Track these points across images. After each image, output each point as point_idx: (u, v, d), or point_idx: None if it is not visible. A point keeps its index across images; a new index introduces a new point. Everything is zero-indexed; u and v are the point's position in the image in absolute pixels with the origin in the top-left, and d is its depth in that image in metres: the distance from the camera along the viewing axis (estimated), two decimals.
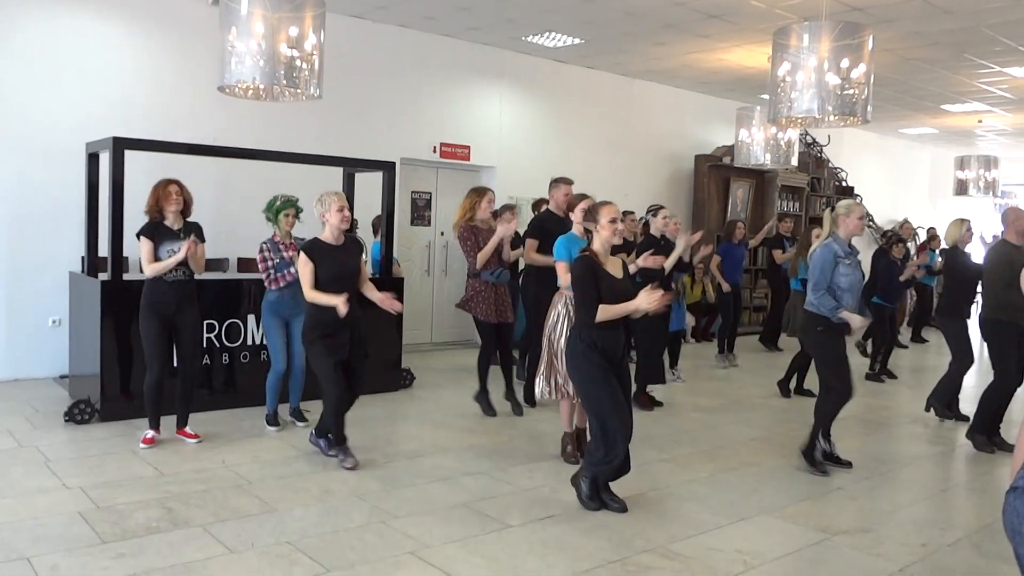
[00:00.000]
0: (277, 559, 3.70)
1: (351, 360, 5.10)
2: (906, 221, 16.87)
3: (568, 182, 6.60)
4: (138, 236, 5.32)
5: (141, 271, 5.40)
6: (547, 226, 6.37)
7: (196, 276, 5.52)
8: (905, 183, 17.46)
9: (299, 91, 5.54)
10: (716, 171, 12.83)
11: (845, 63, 6.17)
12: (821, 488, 5.10)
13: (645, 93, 12.21)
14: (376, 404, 6.72)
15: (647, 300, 4.19)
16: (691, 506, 4.67)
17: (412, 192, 10.06)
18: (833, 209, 5.50)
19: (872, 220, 16.13)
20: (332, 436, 5.19)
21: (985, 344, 6.21)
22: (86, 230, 6.52)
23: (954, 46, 9.48)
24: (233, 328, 6.62)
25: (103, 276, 6.19)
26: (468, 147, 10.30)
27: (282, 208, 5.94)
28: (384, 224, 7.55)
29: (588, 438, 4.71)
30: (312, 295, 4.96)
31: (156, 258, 5.29)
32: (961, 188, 13.88)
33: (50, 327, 7.48)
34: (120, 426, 5.83)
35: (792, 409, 7.30)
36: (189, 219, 5.51)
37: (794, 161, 10.02)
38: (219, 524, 4.10)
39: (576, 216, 5.43)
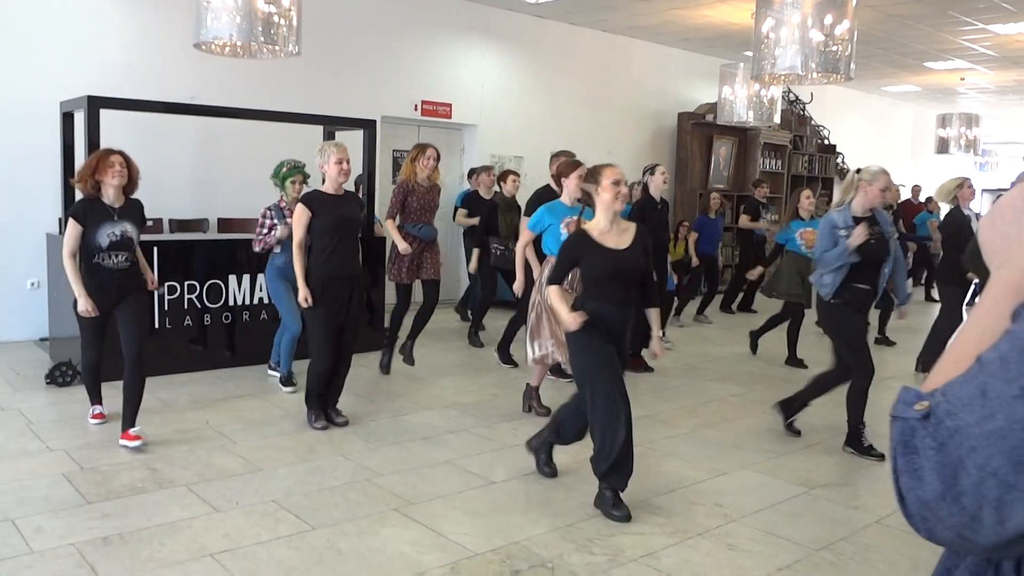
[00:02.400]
0: (262, 517, 3.73)
1: (346, 324, 5.05)
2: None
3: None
4: (66, 219, 4.64)
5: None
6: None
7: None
8: (887, 141, 17.48)
9: (277, 48, 5.46)
10: (699, 129, 12.79)
11: (829, 19, 6.15)
12: (800, 443, 5.17)
13: (628, 50, 12.11)
14: (359, 363, 6.72)
15: (573, 321, 3.81)
16: (672, 461, 4.73)
17: (393, 151, 9.97)
18: (859, 172, 4.88)
19: None
20: (307, 394, 5.14)
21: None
22: (62, 191, 6.43)
23: (938, 2, 9.43)
24: (214, 289, 6.59)
25: None
26: (450, 105, 10.21)
27: (289, 175, 5.90)
28: (366, 183, 7.50)
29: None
30: (298, 253, 4.92)
31: (93, 244, 4.52)
32: (943, 146, 13.94)
33: (29, 289, 7.41)
34: (102, 388, 5.81)
35: (771, 367, 7.38)
36: (132, 197, 4.73)
37: (777, 119, 10.03)
38: (203, 484, 4.11)
39: (570, 184, 5.30)
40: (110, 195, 4.58)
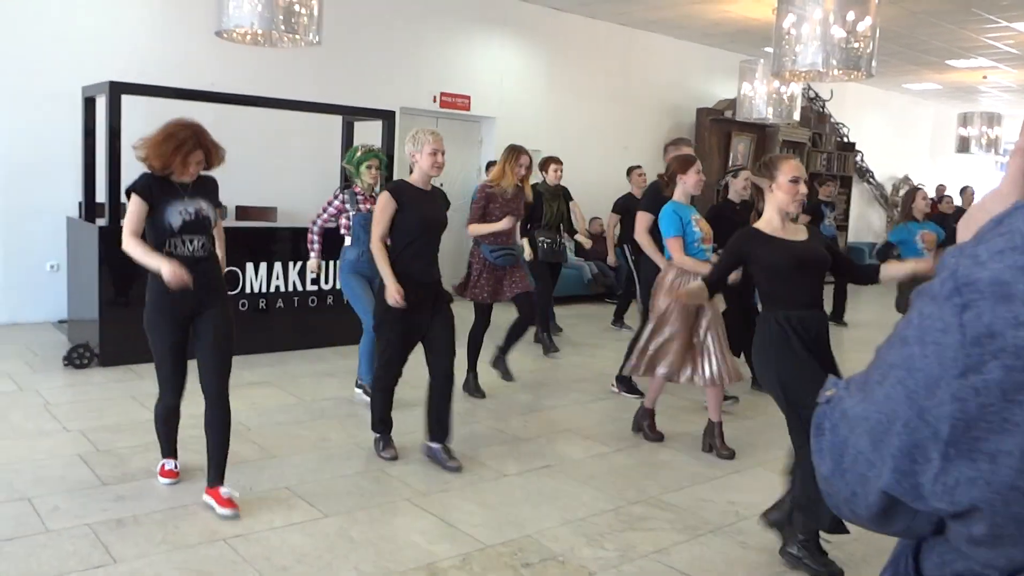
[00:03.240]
0: (275, 504, 3.76)
1: (437, 337, 4.32)
2: (907, 178, 16.82)
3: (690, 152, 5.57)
4: (128, 193, 3.59)
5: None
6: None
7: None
8: (907, 139, 17.35)
9: (298, 37, 5.47)
10: (717, 124, 12.73)
11: (851, 16, 6.10)
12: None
13: (647, 44, 12.06)
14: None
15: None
16: (684, 458, 4.72)
17: None
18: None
19: (872, 176, 16.07)
20: (372, 415, 4.49)
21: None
22: (83, 175, 6.49)
23: None
24: (230, 276, 6.62)
25: (101, 222, 6.18)
26: (468, 97, 10.20)
27: (364, 159, 5.41)
28: (383, 175, 7.50)
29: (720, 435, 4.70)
30: (379, 249, 4.23)
31: (162, 226, 3.55)
32: (963, 145, 13.80)
33: (48, 272, 7.48)
34: (119, 371, 5.87)
35: None
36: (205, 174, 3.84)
37: (796, 116, 9.94)
38: None
39: (689, 179, 4.81)
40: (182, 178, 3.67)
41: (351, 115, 7.59)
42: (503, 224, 5.39)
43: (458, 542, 3.47)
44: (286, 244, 6.94)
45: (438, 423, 4.33)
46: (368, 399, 4.98)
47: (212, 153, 3.69)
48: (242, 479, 4.02)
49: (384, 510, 3.77)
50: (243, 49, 7.13)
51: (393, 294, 4.14)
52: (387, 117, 7.40)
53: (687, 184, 4.84)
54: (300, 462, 4.33)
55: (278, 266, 6.78)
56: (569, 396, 5.92)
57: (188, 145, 3.56)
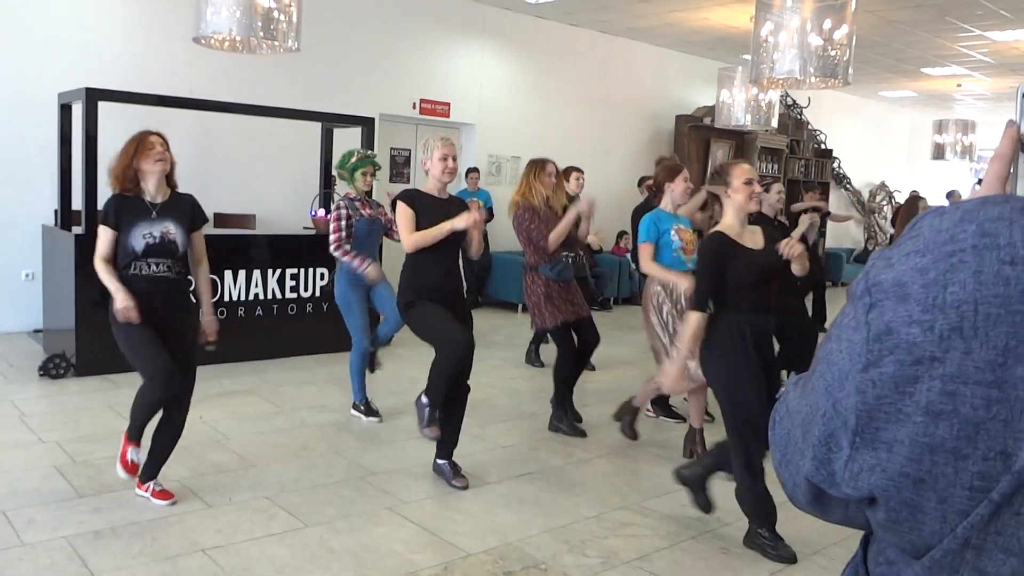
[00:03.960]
0: (255, 514, 3.72)
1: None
2: (884, 184, 17.00)
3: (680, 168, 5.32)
4: (101, 222, 3.71)
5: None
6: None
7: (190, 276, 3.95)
8: (883, 146, 17.54)
9: (277, 43, 5.44)
10: (696, 131, 12.80)
11: (827, 24, 6.14)
12: None
13: (627, 52, 12.12)
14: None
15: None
16: (666, 465, 4.72)
17: (391, 148, 9.97)
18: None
19: (849, 182, 16.22)
20: (430, 398, 4.13)
21: None
22: (59, 183, 6.42)
23: (936, 8, 9.45)
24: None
25: (77, 230, 6.12)
26: (448, 104, 10.20)
27: (359, 165, 5.31)
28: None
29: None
30: (417, 239, 4.02)
31: (127, 249, 3.64)
32: (938, 152, 13.96)
33: (23, 280, 7.39)
34: (95, 381, 5.80)
35: None
36: (178, 191, 3.91)
37: (774, 123, 10.02)
38: (197, 478, 4.11)
39: (677, 187, 4.85)
40: (151, 187, 3.73)
41: (330, 122, 7.57)
42: (568, 219, 5.06)
43: (440, 551, 3.46)
44: (265, 251, 6.89)
45: (447, 439, 4.24)
46: (370, 421, 5.21)
47: (167, 143, 3.81)
48: (221, 488, 3.99)
49: (365, 519, 3.74)
50: (222, 55, 7.09)
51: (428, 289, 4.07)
52: (366, 124, 7.38)
53: (674, 192, 4.90)
54: (280, 471, 4.29)
55: (257, 274, 6.73)
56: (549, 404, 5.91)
57: (136, 137, 3.71)
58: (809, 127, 14.89)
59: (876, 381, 0.68)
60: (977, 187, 0.87)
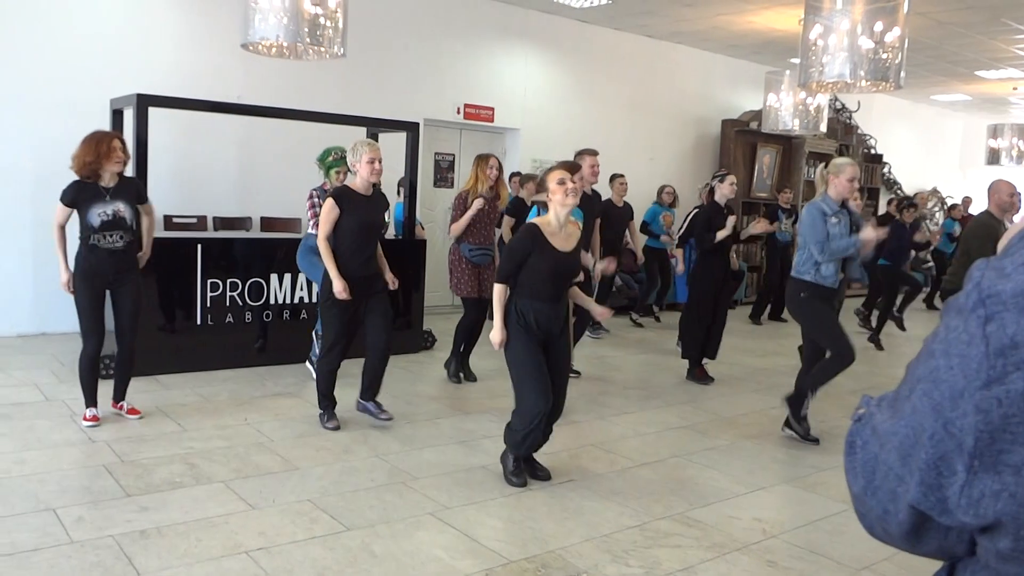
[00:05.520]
0: (297, 516, 3.74)
1: (376, 318, 5.03)
2: (935, 190, 16.64)
3: (593, 152, 6.25)
4: (61, 201, 4.71)
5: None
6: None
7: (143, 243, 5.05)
8: (935, 151, 17.16)
9: (323, 49, 5.48)
10: (743, 136, 12.66)
11: (879, 26, 6.02)
12: (841, 459, 5.07)
13: (672, 56, 12.03)
14: (397, 365, 6.74)
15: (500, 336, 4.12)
16: (710, 473, 4.66)
17: (435, 153, 10.00)
18: (826, 167, 5.20)
19: (900, 188, 15.90)
20: (321, 395, 5.13)
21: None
22: None
23: (991, 9, 9.23)
24: (256, 287, 6.65)
25: None
26: (492, 108, 10.21)
27: (334, 165, 6.00)
28: (407, 185, 7.53)
29: None
30: (324, 246, 4.87)
31: (87, 224, 4.66)
32: (993, 157, 13.62)
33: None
34: (144, 381, 5.89)
35: None
36: (126, 175, 4.88)
37: (823, 127, 9.85)
38: (241, 480, 4.14)
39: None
40: (106, 177, 4.67)
41: (375, 126, 7.62)
42: (473, 209, 6.13)
43: (481, 557, 3.44)
44: None
45: (371, 385, 5.17)
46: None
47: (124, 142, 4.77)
48: (264, 490, 4.01)
49: (406, 524, 3.74)
50: (269, 61, 7.18)
51: (340, 291, 4.80)
52: (411, 129, 7.41)
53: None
54: (322, 474, 4.31)
55: (302, 277, 6.79)
56: (592, 410, 5.88)
57: (105, 140, 4.63)
58: (858, 132, 14.63)
59: (1002, 399, 0.63)
60: None
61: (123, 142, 4.76)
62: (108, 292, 4.79)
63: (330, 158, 6.04)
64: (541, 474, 4.37)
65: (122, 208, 4.68)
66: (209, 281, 6.40)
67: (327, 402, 5.13)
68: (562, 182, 4.06)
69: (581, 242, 4.25)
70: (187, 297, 6.34)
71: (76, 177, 4.69)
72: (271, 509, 3.81)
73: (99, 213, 4.62)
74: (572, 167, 4.96)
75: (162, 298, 6.23)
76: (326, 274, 4.92)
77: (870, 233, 4.97)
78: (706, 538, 3.76)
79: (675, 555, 3.57)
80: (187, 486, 4.04)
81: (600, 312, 4.40)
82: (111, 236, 4.66)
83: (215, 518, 3.67)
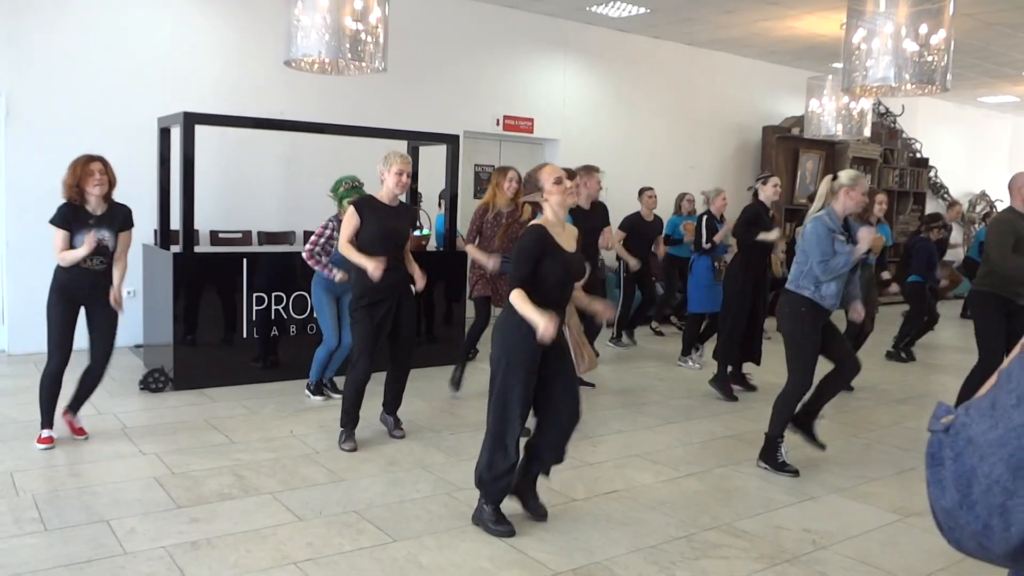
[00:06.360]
0: (344, 528, 3.77)
1: (399, 331, 4.98)
2: (983, 193, 16.28)
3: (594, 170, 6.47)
4: (51, 223, 4.67)
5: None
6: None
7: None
8: (983, 154, 16.81)
9: (364, 64, 5.54)
10: (785, 142, 12.53)
11: (924, 29, 5.92)
12: (892, 469, 4.98)
13: (711, 63, 11.96)
14: (440, 376, 6.77)
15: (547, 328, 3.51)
16: (758, 483, 4.60)
17: (475, 165, 10.05)
18: (835, 178, 4.71)
19: (947, 192, 15.60)
20: (344, 411, 4.97)
21: (973, 320, 5.60)
22: (158, 203, 6.67)
23: None
24: (300, 300, 6.72)
25: (175, 248, 6.34)
26: (531, 120, 10.24)
27: (347, 195, 5.85)
28: (448, 197, 7.57)
29: None
30: (346, 249, 4.81)
31: (72, 248, 4.69)
32: None
33: (126, 297, 7.64)
34: (192, 395, 5.99)
35: (861, 388, 7.11)
36: (117, 201, 4.86)
37: (867, 132, 9.71)
38: (288, 492, 4.18)
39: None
40: (92, 202, 4.69)
41: (416, 140, 7.68)
42: (489, 264, 5.89)
43: (527, 568, 3.43)
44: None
45: (393, 400, 5.21)
46: (316, 400, 6.00)
47: (108, 166, 4.76)
48: (311, 502, 4.05)
49: (452, 535, 3.74)
50: (311, 77, 7.28)
51: (374, 268, 4.65)
52: (451, 141, 7.46)
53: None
54: (368, 486, 4.34)
55: None
56: (637, 420, 5.84)
57: (81, 162, 4.65)
58: (903, 135, 14.40)
59: None
60: None
61: (105, 164, 4.73)
62: (84, 310, 4.81)
63: (342, 188, 5.96)
64: (538, 512, 3.97)
65: (106, 236, 4.73)
66: (255, 295, 6.49)
67: (348, 419, 4.97)
68: (559, 181, 3.74)
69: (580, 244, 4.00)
70: (232, 311, 6.44)
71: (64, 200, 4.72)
72: (318, 520, 3.84)
73: (84, 240, 4.65)
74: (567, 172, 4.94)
75: (208, 312, 6.32)
76: (356, 280, 4.88)
77: (862, 244, 4.55)
78: (754, 549, 3.71)
79: (723, 566, 3.52)
80: (236, 498, 4.09)
81: (601, 309, 4.10)
82: (91, 260, 4.71)
83: (264, 529, 3.71)
